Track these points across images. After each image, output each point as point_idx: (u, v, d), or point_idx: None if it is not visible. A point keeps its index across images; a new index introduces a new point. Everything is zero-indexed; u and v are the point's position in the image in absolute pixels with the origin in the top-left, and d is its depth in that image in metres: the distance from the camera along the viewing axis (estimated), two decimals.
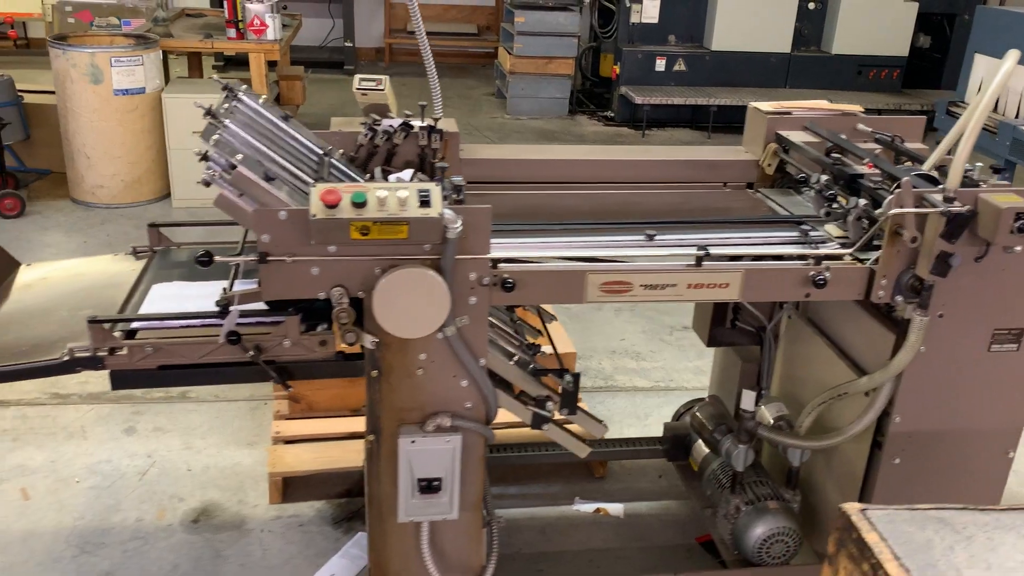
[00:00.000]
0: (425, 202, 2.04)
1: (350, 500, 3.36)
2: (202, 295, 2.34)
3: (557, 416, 2.48)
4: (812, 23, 9.54)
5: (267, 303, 2.26)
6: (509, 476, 3.54)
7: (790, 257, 2.44)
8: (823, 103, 3.10)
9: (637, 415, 4.09)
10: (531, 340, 2.61)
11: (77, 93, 6.10)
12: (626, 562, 3.15)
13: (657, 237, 2.46)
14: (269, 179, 2.12)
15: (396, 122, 2.67)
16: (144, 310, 2.38)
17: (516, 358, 2.45)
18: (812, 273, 2.37)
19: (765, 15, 9.28)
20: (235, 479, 3.48)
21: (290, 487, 3.40)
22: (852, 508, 1.50)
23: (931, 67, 10.10)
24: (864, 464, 2.74)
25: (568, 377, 2.43)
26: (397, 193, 2.03)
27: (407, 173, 2.35)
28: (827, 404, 2.70)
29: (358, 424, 3.53)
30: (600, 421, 2.55)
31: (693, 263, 2.36)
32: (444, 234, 2.09)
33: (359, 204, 2.00)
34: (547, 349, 2.93)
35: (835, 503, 2.89)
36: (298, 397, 3.61)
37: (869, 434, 2.67)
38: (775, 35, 9.39)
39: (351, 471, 3.37)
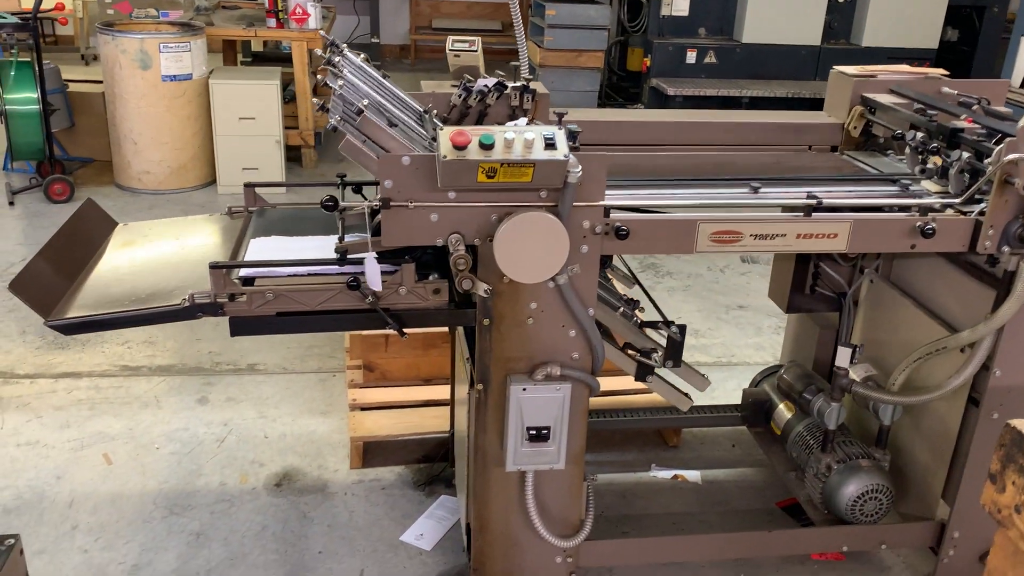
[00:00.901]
0: (551, 145, 2.06)
1: (430, 465, 3.38)
2: (304, 248, 2.37)
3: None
4: (842, 16, 9.56)
5: (380, 254, 2.28)
6: (589, 443, 3.54)
7: (896, 209, 2.45)
8: (905, 67, 3.11)
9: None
10: (630, 296, 2.63)
11: (125, 79, 6.14)
12: (708, 525, 3.16)
13: (761, 191, 2.47)
14: (392, 124, 2.15)
15: (490, 82, 2.69)
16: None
17: (620, 310, 2.47)
18: (919, 224, 2.38)
19: (795, 8, 9.30)
20: (312, 446, 3.49)
21: (368, 453, 3.42)
22: (1020, 423, 1.51)
23: (959, 60, 10.10)
24: (958, 422, 2.74)
25: (675, 328, 2.45)
26: (524, 135, 2.04)
27: (522, 121, 2.36)
28: (921, 361, 2.71)
29: (431, 392, 3.56)
30: (703, 375, 2.57)
31: (803, 214, 2.37)
32: (565, 178, 2.11)
33: (487, 146, 2.02)
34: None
35: (925, 463, 2.90)
36: (372, 366, 3.63)
37: (964, 391, 2.68)
38: (805, 28, 9.41)
39: (428, 437, 3.39)
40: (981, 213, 2.42)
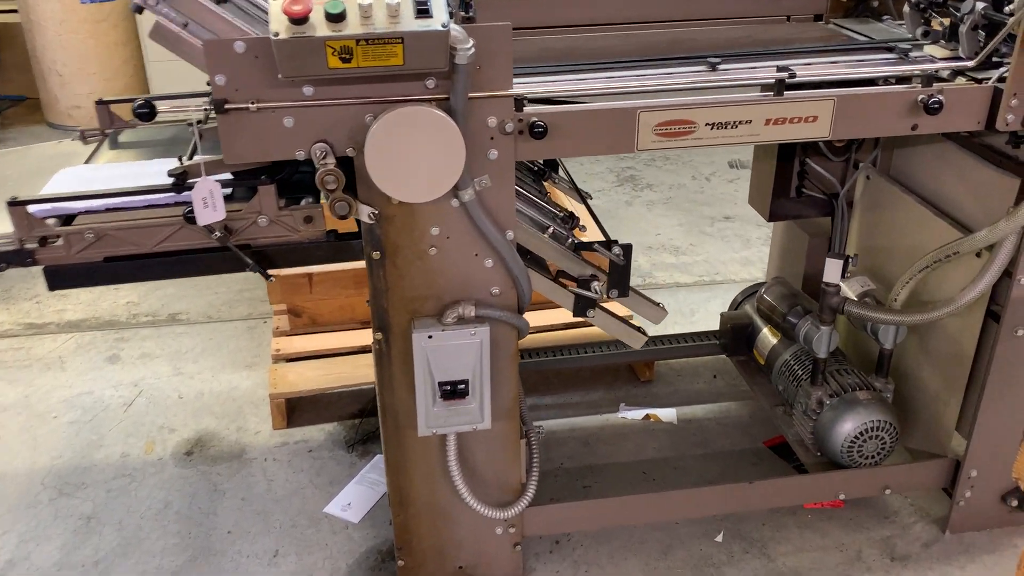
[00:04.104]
0: (423, 11, 1.53)
1: (364, 420, 2.95)
2: (142, 175, 1.87)
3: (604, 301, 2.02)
4: None
5: (234, 173, 1.79)
6: (542, 385, 3.11)
7: (892, 81, 1.93)
8: None
9: (682, 312, 3.63)
10: (567, 211, 2.13)
11: (40, 3, 5.53)
12: (684, 472, 2.73)
13: (721, 68, 1.94)
14: (220, 1, 1.62)
15: None
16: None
17: (551, 230, 1.98)
18: (921, 97, 1.87)
19: None
20: (232, 405, 3.06)
21: (296, 410, 2.99)
22: None
23: None
24: (974, 341, 2.27)
25: (617, 249, 1.96)
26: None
27: None
28: (928, 271, 2.22)
29: (368, 337, 3.09)
30: (658, 304, 2.09)
31: (772, 92, 1.85)
32: (452, 58, 1.59)
33: (335, 16, 1.50)
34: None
35: (934, 391, 2.44)
36: (298, 310, 3.16)
37: (981, 304, 2.20)
38: None
39: (363, 388, 2.94)
40: (1001, 79, 1.90)
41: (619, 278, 1.99)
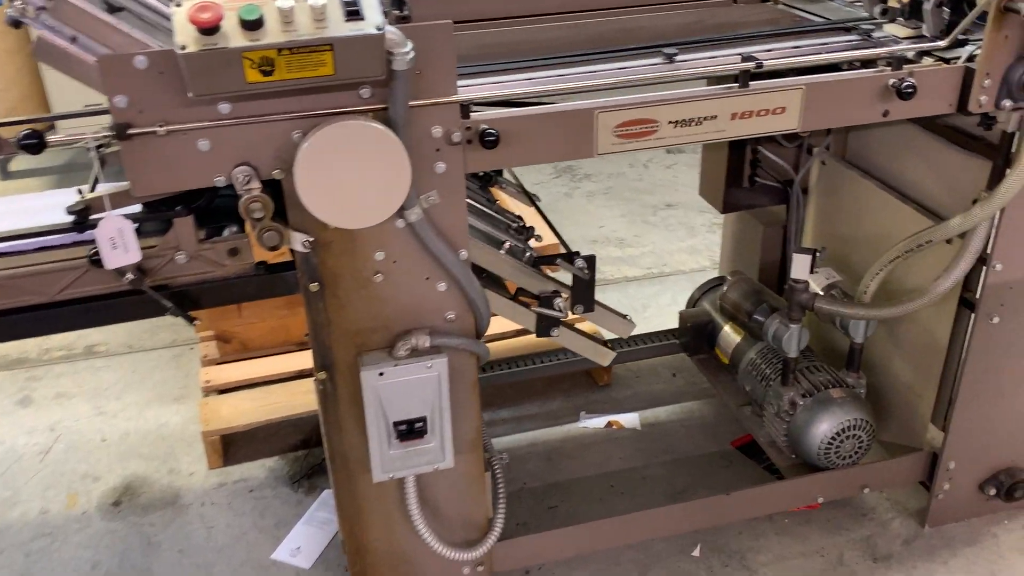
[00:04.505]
0: (354, 12, 1.34)
1: (309, 452, 2.73)
2: (41, 209, 1.63)
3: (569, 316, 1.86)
4: None
5: (144, 204, 1.57)
6: (496, 398, 2.94)
7: (858, 65, 1.81)
8: None
9: (633, 308, 3.50)
10: (522, 222, 1.96)
11: None
12: (653, 482, 2.60)
13: (679, 59, 1.79)
14: (114, 9, 1.39)
15: None
16: None
17: (507, 245, 1.80)
18: (893, 81, 1.75)
19: None
20: (162, 445, 2.81)
21: (232, 446, 2.75)
22: None
23: None
24: (948, 330, 2.18)
25: (580, 262, 1.80)
26: (309, 1, 1.32)
27: None
28: (900, 260, 2.12)
29: (305, 360, 2.87)
30: (625, 316, 1.94)
31: (737, 84, 1.71)
32: (389, 64, 1.40)
33: (252, 24, 1.29)
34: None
35: (908, 383, 2.35)
36: (227, 336, 2.92)
37: (955, 292, 2.11)
38: None
39: (305, 417, 2.72)
40: (971, 58, 1.80)
41: (583, 292, 1.83)
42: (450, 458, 1.78)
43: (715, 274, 3.08)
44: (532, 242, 1.98)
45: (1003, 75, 1.76)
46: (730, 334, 2.63)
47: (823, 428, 2.23)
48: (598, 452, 2.73)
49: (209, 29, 1.28)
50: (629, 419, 2.87)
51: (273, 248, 1.53)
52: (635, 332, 3.07)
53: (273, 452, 2.75)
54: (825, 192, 2.60)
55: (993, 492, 2.33)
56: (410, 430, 1.72)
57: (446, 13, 1.55)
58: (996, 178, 1.95)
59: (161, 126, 1.42)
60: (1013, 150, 1.88)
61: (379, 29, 1.34)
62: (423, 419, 1.72)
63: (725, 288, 2.56)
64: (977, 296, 2.08)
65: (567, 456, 2.71)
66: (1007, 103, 1.78)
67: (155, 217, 1.55)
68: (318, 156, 1.42)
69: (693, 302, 2.86)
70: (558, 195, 4.51)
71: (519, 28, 1.97)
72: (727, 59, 1.79)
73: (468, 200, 1.86)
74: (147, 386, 3.09)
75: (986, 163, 1.99)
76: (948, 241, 2.05)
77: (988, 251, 2.00)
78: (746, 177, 2.67)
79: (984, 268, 2.03)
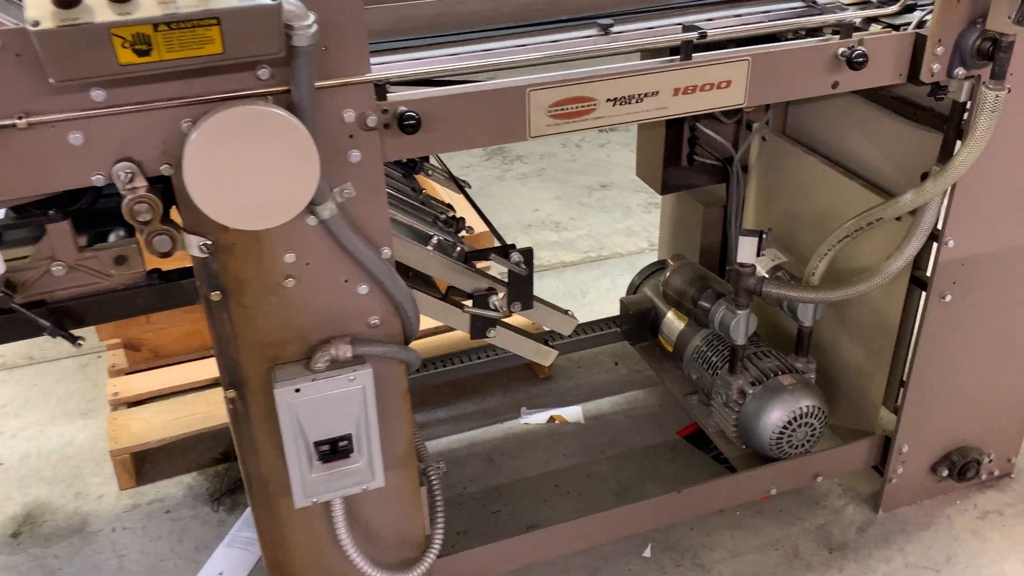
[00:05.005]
0: None
1: (230, 465, 2.53)
2: None
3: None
4: None
5: (11, 209, 1.35)
6: (432, 397, 2.78)
7: (804, 34, 1.69)
8: None
9: (572, 294, 3.37)
10: (451, 213, 1.79)
11: None
12: (599, 479, 2.48)
13: (615, 30, 1.64)
14: None
15: None
16: None
17: (435, 240, 1.64)
18: (843, 51, 1.63)
19: None
20: (67, 465, 2.57)
21: (146, 463, 2.54)
22: None
23: None
24: (899, 310, 2.10)
25: (517, 256, 1.64)
26: None
27: None
28: (849, 239, 2.02)
29: None
30: (566, 311, 1.79)
31: (679, 56, 1.57)
32: (289, 40, 1.21)
33: None
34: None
35: (858, 365, 2.28)
36: (136, 344, 2.69)
37: (905, 271, 2.03)
38: None
39: (225, 428, 2.52)
40: (920, 24, 1.69)
41: (521, 288, 1.67)
42: (380, 477, 1.62)
43: (654, 256, 2.97)
44: (464, 234, 1.81)
45: (955, 41, 1.66)
46: (673, 321, 2.52)
47: (774, 417, 2.13)
48: (541, 450, 2.60)
49: (67, 2, 1.07)
50: (572, 412, 2.74)
51: (165, 255, 1.34)
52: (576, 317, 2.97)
53: (191, 467, 2.54)
54: (767, 169, 2.50)
55: (945, 473, 2.28)
56: (333, 450, 1.55)
57: None
58: (947, 151, 1.86)
59: (21, 118, 1.21)
60: (965, 122, 1.79)
61: (275, 0, 1.15)
62: (347, 437, 1.55)
63: (668, 274, 2.44)
64: (928, 274, 2.00)
65: (509, 456, 2.57)
66: (960, 71, 1.69)
67: (23, 224, 1.34)
68: (209, 148, 1.23)
69: (634, 288, 2.74)
70: (490, 178, 4.35)
71: (428, 1, 1.79)
72: (667, 29, 1.65)
73: (389, 191, 1.69)
74: (50, 401, 2.84)
75: (935, 135, 1.90)
76: (898, 218, 1.96)
77: (940, 227, 1.92)
78: (684, 156, 2.55)
79: (936, 245, 1.95)
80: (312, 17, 1.22)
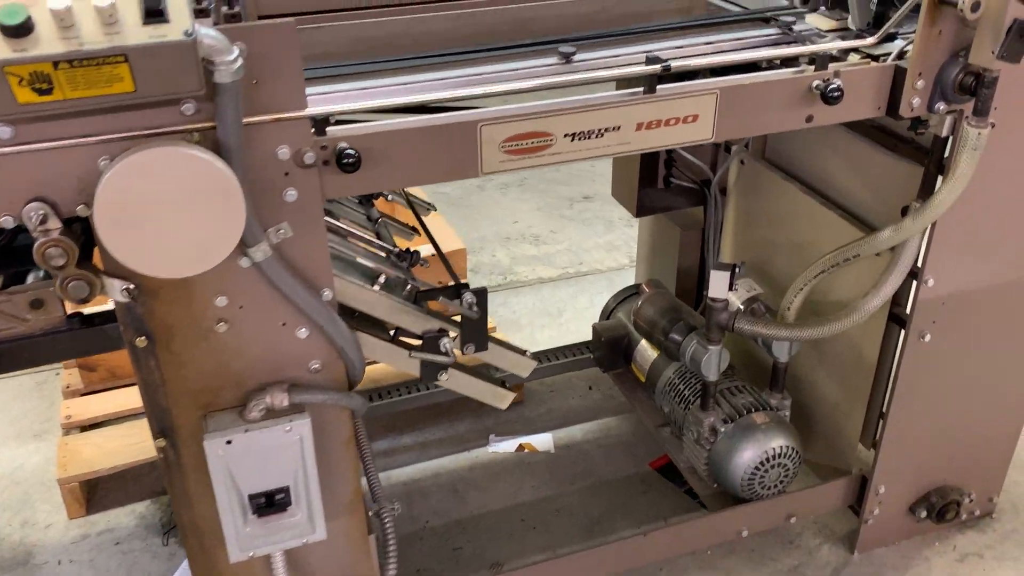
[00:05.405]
0: (155, 13, 1.05)
1: None
2: None
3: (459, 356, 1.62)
4: None
5: None
6: (399, 422, 2.69)
7: (778, 64, 1.60)
8: None
9: (549, 312, 3.28)
10: (403, 245, 1.70)
11: None
12: (567, 514, 2.39)
13: (577, 58, 1.55)
14: None
15: None
16: None
17: (383, 278, 1.54)
18: (817, 83, 1.54)
19: None
20: (16, 491, 2.48)
21: (97, 489, 2.45)
22: None
23: None
24: (876, 347, 2.02)
25: (468, 296, 1.55)
26: (93, 1, 1.02)
27: None
28: (825, 275, 1.93)
29: None
30: (524, 352, 1.70)
31: (642, 89, 1.47)
32: (211, 76, 1.12)
33: (16, 30, 1.00)
34: (427, 249, 2.04)
35: (834, 402, 2.19)
36: (92, 364, 2.60)
37: (883, 308, 1.94)
38: None
39: None
40: (900, 55, 1.60)
41: (474, 329, 1.58)
42: (321, 530, 1.53)
43: (633, 272, 2.87)
44: (423, 265, 1.72)
45: (936, 75, 1.58)
46: (646, 350, 2.43)
47: (746, 457, 2.05)
48: (508, 481, 2.51)
49: None
50: (542, 441, 2.65)
51: (83, 301, 1.24)
52: (547, 341, 2.89)
53: (145, 495, 2.45)
54: (745, 193, 2.41)
55: (924, 515, 2.19)
56: (270, 503, 1.46)
57: (290, 4, 1.27)
58: (927, 185, 1.78)
59: None
60: (947, 157, 1.70)
61: (188, 35, 1.06)
62: (285, 489, 1.46)
63: (639, 303, 2.34)
64: (908, 312, 1.91)
65: (474, 487, 2.48)
66: (941, 106, 1.60)
67: None
68: (122, 191, 1.14)
69: (608, 312, 2.65)
70: (470, 188, 4.25)
71: (391, 19, 1.69)
72: (632, 58, 1.56)
73: (338, 224, 1.60)
74: (3, 421, 2.74)
75: (916, 168, 1.81)
76: (877, 253, 1.87)
77: (919, 265, 1.83)
78: (661, 177, 2.46)
79: (915, 283, 1.86)
80: (236, 51, 1.13)
